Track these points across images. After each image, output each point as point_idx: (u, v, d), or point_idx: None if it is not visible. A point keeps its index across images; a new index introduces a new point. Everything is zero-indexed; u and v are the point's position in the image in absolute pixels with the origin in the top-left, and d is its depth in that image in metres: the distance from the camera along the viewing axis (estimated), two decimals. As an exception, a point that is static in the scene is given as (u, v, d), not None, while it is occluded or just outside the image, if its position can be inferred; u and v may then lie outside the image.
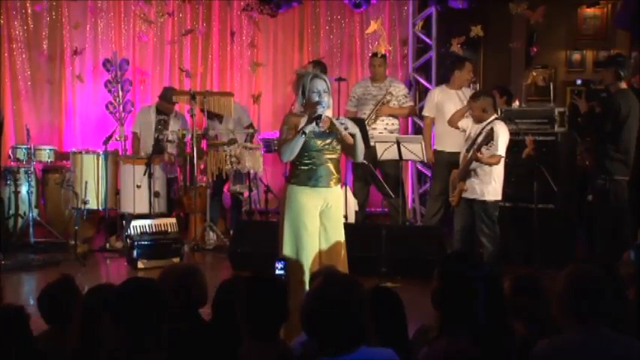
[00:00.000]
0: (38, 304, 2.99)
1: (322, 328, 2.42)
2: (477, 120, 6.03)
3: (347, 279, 2.73)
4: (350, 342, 2.41)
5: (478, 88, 7.09)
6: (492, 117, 5.98)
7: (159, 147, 7.56)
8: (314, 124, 4.11)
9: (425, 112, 7.44)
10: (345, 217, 6.72)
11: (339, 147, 4.29)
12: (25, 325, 2.46)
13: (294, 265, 4.17)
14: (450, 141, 6.98)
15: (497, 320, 2.55)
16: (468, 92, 7.13)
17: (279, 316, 2.67)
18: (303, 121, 4.18)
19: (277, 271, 3.87)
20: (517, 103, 7.34)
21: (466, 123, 6.25)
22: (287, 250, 4.20)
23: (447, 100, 7.17)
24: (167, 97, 7.83)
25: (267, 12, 8.83)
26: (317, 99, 4.18)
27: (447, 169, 7.02)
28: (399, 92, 7.53)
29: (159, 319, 2.47)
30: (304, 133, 4.11)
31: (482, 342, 2.39)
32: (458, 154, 6.64)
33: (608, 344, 2.54)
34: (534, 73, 8.95)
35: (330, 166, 4.27)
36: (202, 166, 7.47)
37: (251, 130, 7.81)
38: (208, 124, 7.58)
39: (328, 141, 4.25)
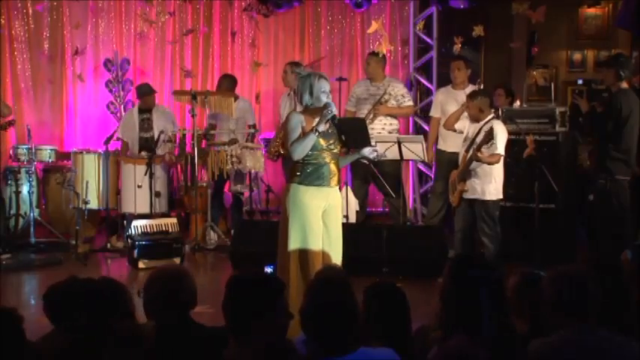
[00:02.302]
0: (45, 303, 2.98)
1: (321, 330, 2.42)
2: (474, 119, 6.03)
3: (340, 280, 2.74)
4: (349, 342, 2.41)
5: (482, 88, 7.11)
6: (490, 116, 5.99)
7: (147, 145, 7.55)
8: (328, 123, 4.20)
9: (431, 113, 7.52)
10: (346, 217, 6.72)
11: (338, 147, 4.36)
12: (18, 328, 2.43)
13: (300, 266, 4.19)
14: (451, 141, 7.00)
15: (505, 320, 2.56)
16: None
17: (263, 312, 2.62)
18: (313, 119, 4.23)
19: None
20: (518, 102, 7.35)
21: (462, 124, 6.25)
22: (293, 250, 4.21)
23: (448, 101, 7.20)
24: (142, 92, 7.77)
25: (263, 12, 8.83)
26: (326, 99, 4.27)
27: (449, 168, 7.03)
28: (397, 92, 7.51)
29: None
30: (317, 131, 4.19)
31: (493, 343, 2.39)
32: (458, 153, 6.65)
33: (603, 344, 2.55)
34: (535, 73, 8.95)
35: (332, 165, 4.33)
36: (203, 168, 7.49)
37: (252, 130, 7.81)
38: (210, 123, 7.61)
39: (331, 141, 4.32)
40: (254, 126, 7.91)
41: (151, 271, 3.13)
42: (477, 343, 2.35)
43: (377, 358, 2.50)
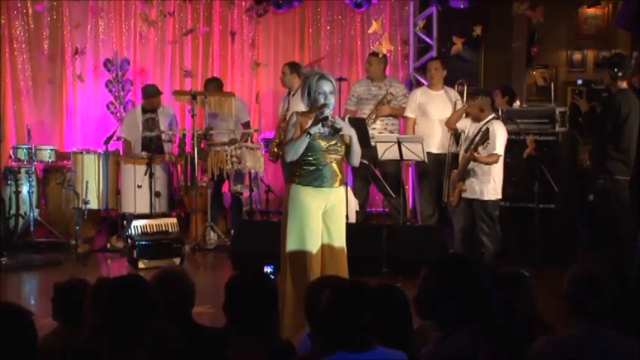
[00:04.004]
0: (53, 299, 2.98)
1: (338, 331, 2.43)
2: (475, 119, 6.05)
3: (354, 283, 2.75)
4: (365, 341, 2.43)
5: (465, 89, 7.10)
6: (490, 116, 6.00)
7: (151, 145, 7.56)
8: (320, 125, 4.14)
9: (407, 114, 7.38)
10: (346, 217, 6.71)
11: (343, 148, 4.32)
12: (32, 328, 2.41)
13: (296, 265, 4.19)
14: (434, 142, 7.02)
15: (508, 319, 2.57)
16: (452, 92, 7.14)
17: (264, 313, 2.65)
18: (309, 121, 4.21)
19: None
20: (518, 102, 7.35)
21: (464, 124, 6.25)
22: (290, 249, 4.21)
23: (429, 101, 7.20)
24: (148, 93, 7.77)
25: (261, 12, 8.83)
26: (323, 101, 4.21)
27: (434, 169, 7.04)
28: (398, 92, 7.53)
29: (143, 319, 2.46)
30: (309, 134, 4.14)
31: (493, 341, 2.39)
32: (443, 155, 6.67)
33: (607, 343, 2.55)
34: (535, 73, 8.96)
35: (334, 166, 4.30)
36: (202, 166, 7.49)
37: (251, 130, 7.81)
38: (209, 123, 7.62)
39: (333, 142, 4.28)
40: (248, 123, 7.91)
41: (152, 275, 3.13)
42: (478, 341, 2.35)
43: (390, 359, 2.51)
